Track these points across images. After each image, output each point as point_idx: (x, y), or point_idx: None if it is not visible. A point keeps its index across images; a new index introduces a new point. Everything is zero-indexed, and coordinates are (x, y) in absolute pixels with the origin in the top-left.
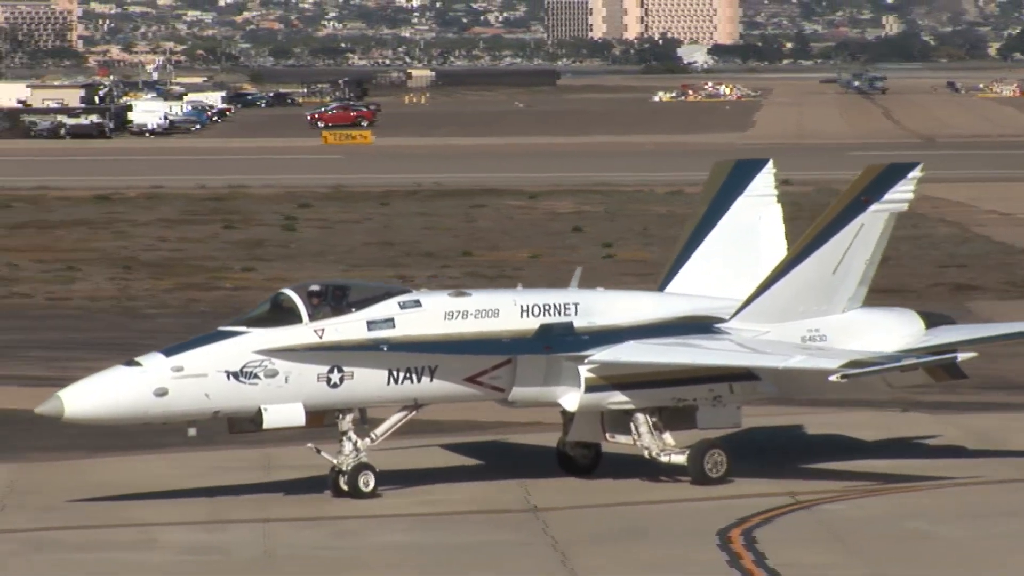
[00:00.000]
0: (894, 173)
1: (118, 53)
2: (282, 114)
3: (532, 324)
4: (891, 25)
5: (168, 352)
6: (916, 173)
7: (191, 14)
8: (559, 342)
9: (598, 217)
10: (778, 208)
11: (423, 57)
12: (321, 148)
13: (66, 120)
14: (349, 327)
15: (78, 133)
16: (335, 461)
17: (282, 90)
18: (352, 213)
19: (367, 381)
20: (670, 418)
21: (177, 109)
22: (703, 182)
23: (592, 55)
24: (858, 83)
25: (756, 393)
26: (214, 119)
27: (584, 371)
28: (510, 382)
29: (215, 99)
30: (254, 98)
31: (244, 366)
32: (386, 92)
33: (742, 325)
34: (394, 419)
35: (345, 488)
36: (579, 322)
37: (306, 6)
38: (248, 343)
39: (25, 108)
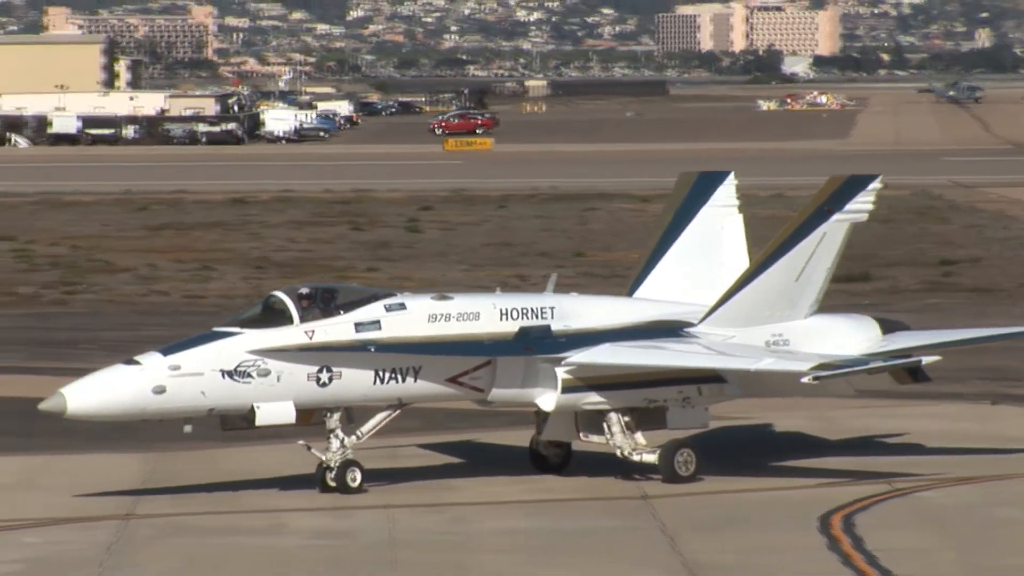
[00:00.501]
0: (855, 184)
1: (251, 64)
2: (406, 122)
3: (511, 327)
4: (983, 38)
5: (166, 351)
6: (876, 185)
7: (320, 27)
8: (538, 344)
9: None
10: (739, 218)
11: (540, 68)
12: (443, 154)
13: (202, 128)
14: (338, 329)
15: (213, 140)
16: (323, 457)
17: (406, 99)
18: (472, 215)
19: (354, 381)
20: (641, 419)
21: (307, 117)
22: (670, 192)
23: (700, 66)
24: (950, 92)
25: (723, 395)
26: (342, 127)
27: (561, 372)
28: (490, 383)
29: (343, 108)
30: (380, 107)
31: (238, 365)
32: (504, 101)
33: (710, 329)
34: (379, 418)
35: (332, 484)
36: (556, 325)
37: (429, 20)
38: (242, 343)
39: (163, 116)
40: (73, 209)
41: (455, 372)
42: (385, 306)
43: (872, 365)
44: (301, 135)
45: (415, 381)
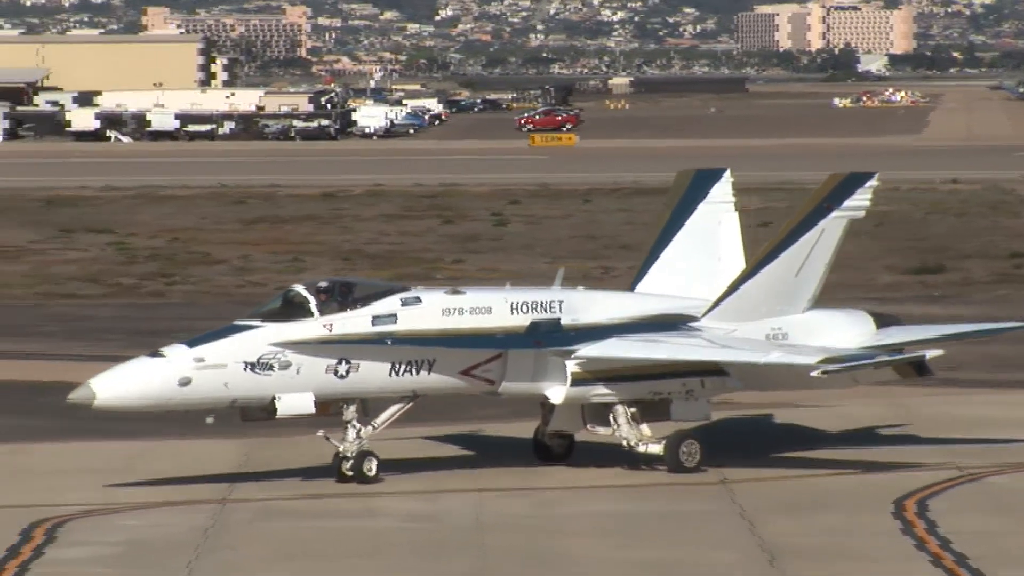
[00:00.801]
0: (854, 182)
1: (343, 63)
2: (493, 119)
3: (521, 321)
4: None
5: (190, 344)
6: (873, 182)
7: (410, 27)
8: (548, 337)
9: (782, 213)
10: (735, 215)
11: (623, 66)
12: (529, 150)
13: (296, 124)
14: (355, 322)
15: (306, 136)
16: (340, 448)
17: (493, 96)
18: (557, 209)
19: (371, 373)
20: (646, 410)
21: (397, 114)
22: (670, 188)
23: (778, 64)
24: (1021, 89)
25: (724, 388)
26: (431, 123)
27: (571, 365)
28: (501, 375)
29: (432, 105)
30: (467, 104)
31: (260, 358)
32: (589, 98)
33: (712, 323)
34: (393, 410)
35: (348, 473)
36: (565, 319)
37: (515, 20)
38: (264, 336)
39: (259, 113)
40: (171, 203)
41: (468, 365)
42: (401, 300)
43: (879, 359)
44: (391, 131)
45: (429, 373)
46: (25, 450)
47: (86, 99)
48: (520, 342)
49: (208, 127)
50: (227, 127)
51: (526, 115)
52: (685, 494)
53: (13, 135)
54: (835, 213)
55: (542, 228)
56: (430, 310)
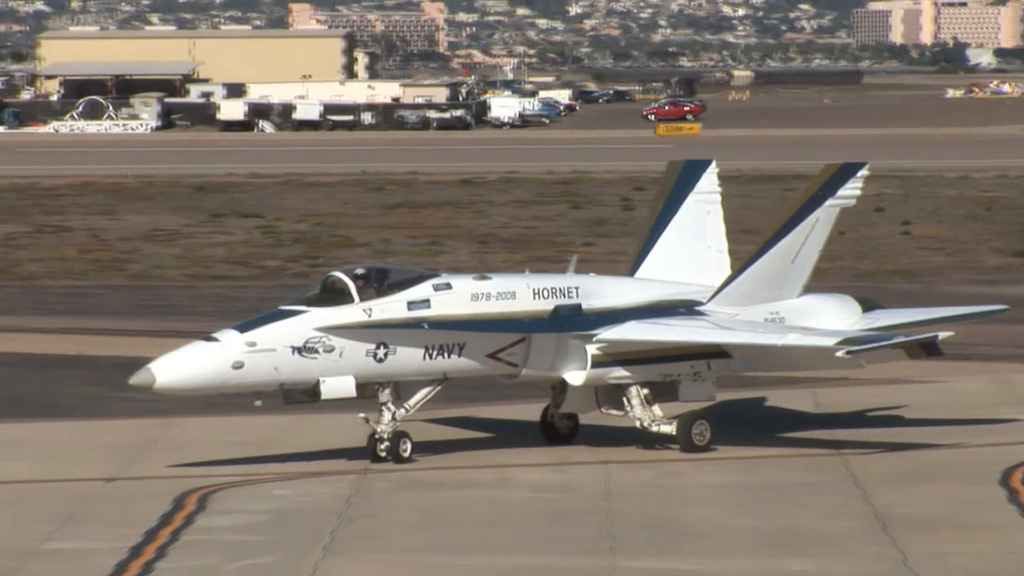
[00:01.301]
0: (847, 172)
1: (479, 56)
2: (620, 109)
3: (543, 305)
4: None
5: (241, 329)
6: (864, 172)
7: (542, 22)
8: (571, 321)
9: (895, 199)
10: (719, 204)
11: (744, 59)
12: (654, 139)
13: (433, 114)
14: (392, 307)
15: (443, 125)
16: (377, 429)
17: (621, 88)
18: None
19: (408, 356)
20: (656, 392)
21: (530, 105)
22: (661, 179)
23: (891, 57)
24: None
25: (729, 370)
26: (562, 113)
27: (591, 349)
28: (524, 359)
29: (563, 96)
30: (596, 95)
31: (307, 342)
32: (711, 90)
33: (717, 308)
34: (424, 392)
35: (383, 454)
36: (583, 304)
37: (642, 15)
38: (309, 321)
39: (398, 104)
40: (315, 189)
41: (495, 348)
42: (433, 286)
43: (896, 340)
44: (524, 121)
45: (459, 357)
46: (177, 423)
47: (235, 91)
48: (545, 326)
49: (350, 117)
50: (368, 117)
51: (652, 106)
52: (802, 466)
53: (166, 125)
54: (829, 202)
55: None
56: (460, 295)
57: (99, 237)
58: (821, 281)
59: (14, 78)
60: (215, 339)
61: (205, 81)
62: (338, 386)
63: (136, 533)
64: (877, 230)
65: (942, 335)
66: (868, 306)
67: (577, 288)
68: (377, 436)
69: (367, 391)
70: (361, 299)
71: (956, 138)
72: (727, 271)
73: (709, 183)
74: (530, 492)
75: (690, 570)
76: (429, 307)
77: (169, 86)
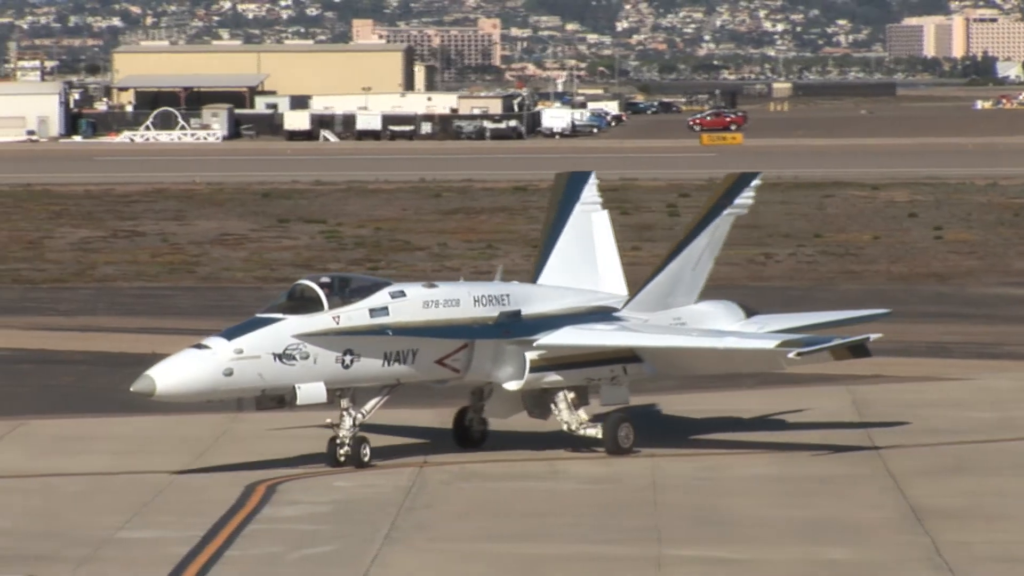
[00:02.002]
0: (744, 181)
1: (532, 69)
2: (666, 120)
3: (484, 312)
4: None
5: (228, 336)
6: (757, 182)
7: (592, 37)
8: (514, 327)
9: (928, 205)
10: (604, 213)
11: (784, 72)
12: (699, 148)
13: (488, 125)
14: (357, 314)
15: (498, 135)
16: (338, 434)
17: (667, 100)
18: None
19: (370, 363)
20: (578, 396)
21: (580, 115)
22: (551, 190)
23: (924, 70)
24: None
25: (641, 374)
26: (611, 124)
27: (530, 354)
28: (467, 364)
29: (611, 107)
30: (643, 106)
31: (286, 349)
32: (753, 101)
33: (631, 314)
34: (377, 398)
35: (342, 459)
36: (521, 311)
37: (687, 30)
38: (287, 328)
39: (455, 115)
40: (376, 195)
41: (442, 354)
42: (390, 293)
43: (835, 342)
44: (575, 131)
45: (412, 363)
46: (246, 417)
47: (299, 102)
48: (493, 331)
49: (409, 128)
50: (426, 127)
51: (697, 116)
52: (839, 459)
53: (234, 134)
54: (727, 210)
55: None
56: (414, 303)
57: (170, 241)
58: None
59: (90, 90)
60: (206, 347)
61: (271, 93)
62: (312, 392)
63: (206, 523)
64: (910, 235)
65: (873, 337)
66: (748, 312)
67: (508, 295)
68: (339, 441)
69: (330, 397)
70: (330, 307)
71: (985, 147)
72: (618, 277)
73: (591, 195)
74: (580, 484)
75: (733, 559)
76: (388, 314)
77: (237, 98)
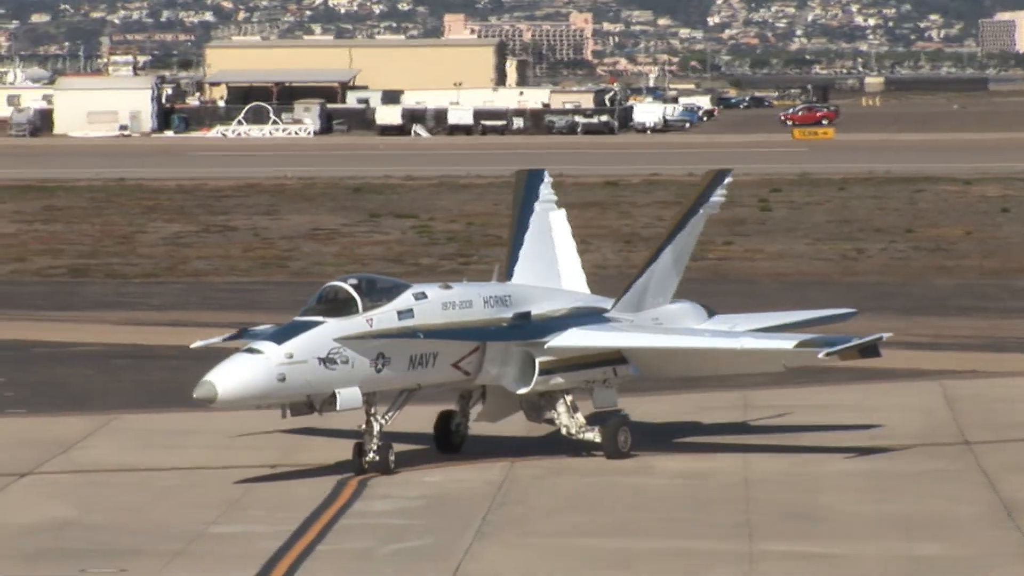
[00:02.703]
0: (719, 178)
1: (623, 64)
2: (758, 114)
3: (496, 313)
4: None
5: (278, 341)
6: (729, 179)
7: (684, 31)
8: (529, 329)
9: (1021, 200)
10: (561, 212)
11: (876, 67)
12: (790, 142)
13: (580, 119)
14: (386, 317)
15: (589, 130)
16: (367, 440)
17: (758, 94)
18: (816, 196)
19: (398, 366)
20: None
21: (672, 110)
22: (514, 187)
23: (1016, 65)
24: None
25: (627, 376)
26: (702, 118)
27: (540, 356)
28: (478, 367)
29: (703, 102)
30: (735, 101)
31: (329, 353)
32: (845, 96)
33: (618, 314)
34: (397, 403)
35: (367, 466)
36: (508, 311)
37: (779, 25)
38: (329, 331)
39: (546, 109)
40: (468, 190)
41: (459, 357)
42: (413, 295)
43: (855, 342)
44: (667, 126)
45: (433, 366)
46: (335, 414)
47: (391, 97)
48: (509, 333)
49: (501, 122)
50: (518, 122)
51: (788, 111)
52: (931, 455)
53: (326, 129)
54: (703, 209)
55: (802, 213)
56: (434, 305)
57: (262, 236)
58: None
59: (182, 85)
60: (258, 351)
61: (363, 88)
62: (351, 397)
63: (297, 517)
64: (1003, 230)
65: (885, 336)
66: (710, 312)
67: (510, 296)
68: (366, 447)
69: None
70: (364, 309)
71: None
72: (581, 277)
73: (547, 193)
74: (671, 479)
75: (825, 553)
76: (413, 317)
77: (329, 92)
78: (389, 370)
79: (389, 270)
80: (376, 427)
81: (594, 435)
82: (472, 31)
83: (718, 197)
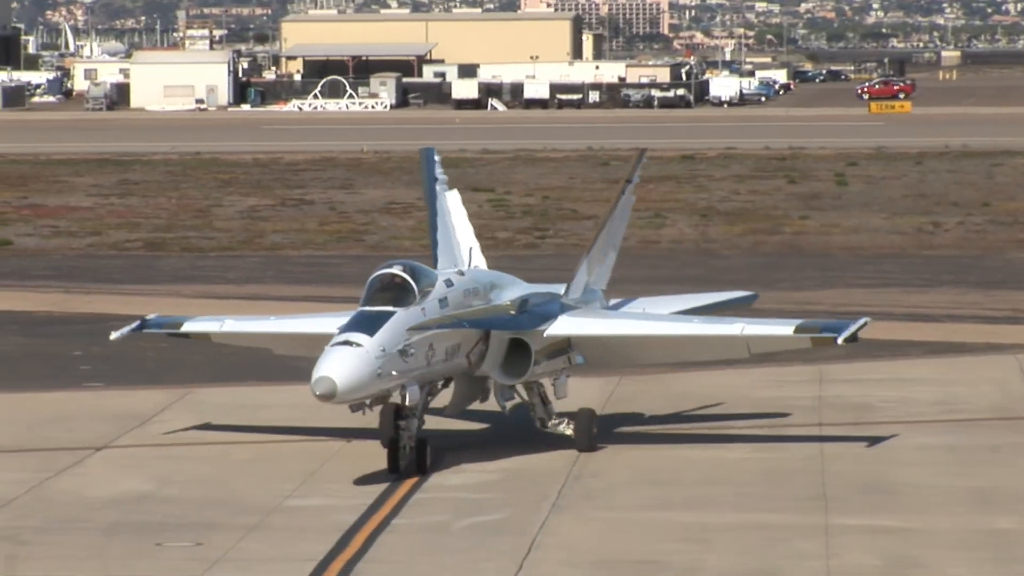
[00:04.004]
0: (641, 157)
1: (700, 38)
2: (835, 88)
3: (500, 301)
4: None
5: (369, 332)
6: (645, 160)
7: (760, 5)
8: (535, 317)
9: None
10: (454, 192)
11: (952, 41)
12: (867, 117)
13: (656, 93)
14: (432, 306)
15: (665, 104)
16: (402, 436)
17: (835, 68)
18: (892, 171)
19: (440, 357)
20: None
21: (748, 84)
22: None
23: None
24: None
25: (573, 364)
26: (779, 92)
27: (535, 345)
28: (480, 357)
29: (779, 76)
30: (812, 75)
31: (405, 345)
32: (921, 70)
33: (570, 300)
34: (422, 399)
35: (403, 463)
36: (496, 299)
37: None
38: (401, 323)
39: (623, 83)
40: (544, 164)
41: (471, 346)
42: (445, 281)
43: (854, 327)
44: (743, 100)
45: (456, 356)
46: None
47: (467, 71)
48: (523, 322)
49: (577, 96)
50: (594, 96)
51: (865, 85)
52: (1009, 429)
53: (402, 103)
54: (631, 186)
55: (878, 187)
56: (458, 292)
57: (338, 209)
58: None
59: (258, 59)
60: (358, 343)
61: (439, 62)
62: (415, 392)
63: (374, 490)
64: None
65: (867, 322)
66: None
67: (492, 283)
68: (401, 444)
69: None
70: (419, 298)
71: None
72: (482, 259)
73: (440, 171)
74: (746, 452)
75: (901, 527)
76: (448, 305)
77: (405, 66)
78: (434, 362)
79: None
80: (415, 424)
81: (564, 427)
82: (548, 5)
83: (637, 176)
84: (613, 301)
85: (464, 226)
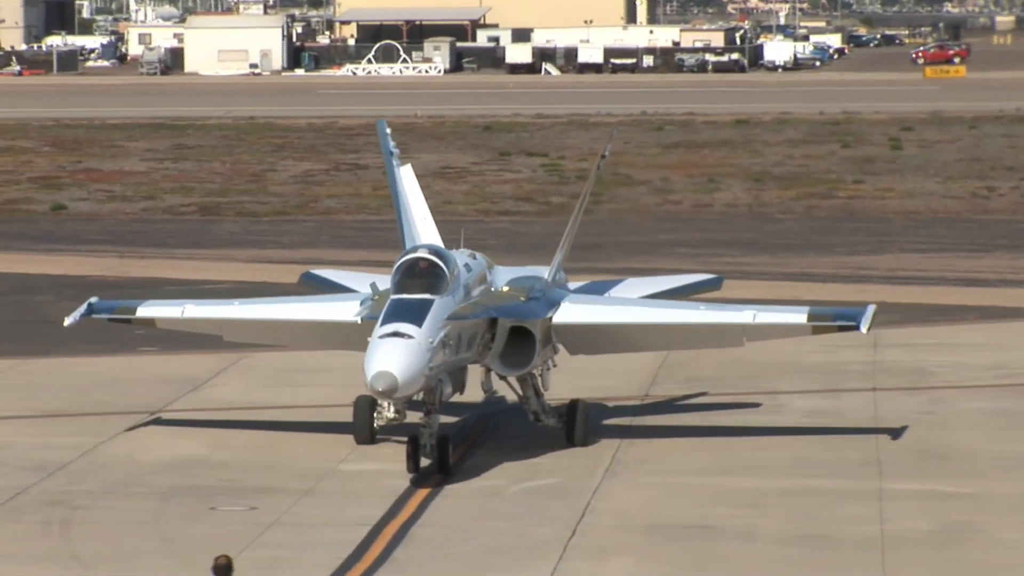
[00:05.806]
0: (613, 133)
1: (754, 2)
2: (889, 53)
3: (511, 288)
4: None
5: (417, 323)
6: (615, 133)
7: None
8: (545, 304)
9: None
10: (408, 166)
11: (1007, 5)
12: (922, 81)
13: (710, 58)
14: (460, 294)
15: (720, 68)
16: (424, 432)
17: (890, 32)
18: (947, 135)
19: (462, 347)
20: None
21: (802, 48)
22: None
23: None
24: None
25: (556, 353)
26: (833, 57)
27: (538, 333)
28: (487, 347)
29: (834, 40)
30: (866, 39)
31: (445, 335)
32: (976, 34)
33: (552, 285)
34: (438, 391)
35: (425, 459)
36: (494, 283)
37: None
38: (440, 311)
39: (676, 48)
40: (598, 129)
41: (482, 335)
42: (464, 266)
43: (870, 312)
44: (797, 64)
45: (472, 346)
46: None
47: (521, 35)
48: (539, 309)
49: (631, 61)
50: (648, 61)
51: (920, 49)
52: None
53: (456, 68)
54: (602, 163)
55: (933, 152)
56: (474, 277)
57: None
58: None
59: (312, 23)
60: (409, 335)
61: (493, 26)
62: (447, 382)
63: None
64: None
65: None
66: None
67: (487, 267)
68: (422, 441)
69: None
70: (451, 284)
71: None
72: (433, 231)
73: (392, 144)
74: (802, 417)
75: (955, 492)
76: (469, 292)
77: (459, 31)
78: (460, 351)
79: (519, 209)
80: (436, 419)
81: (556, 422)
82: None
83: (608, 154)
84: (572, 285)
85: (419, 200)
